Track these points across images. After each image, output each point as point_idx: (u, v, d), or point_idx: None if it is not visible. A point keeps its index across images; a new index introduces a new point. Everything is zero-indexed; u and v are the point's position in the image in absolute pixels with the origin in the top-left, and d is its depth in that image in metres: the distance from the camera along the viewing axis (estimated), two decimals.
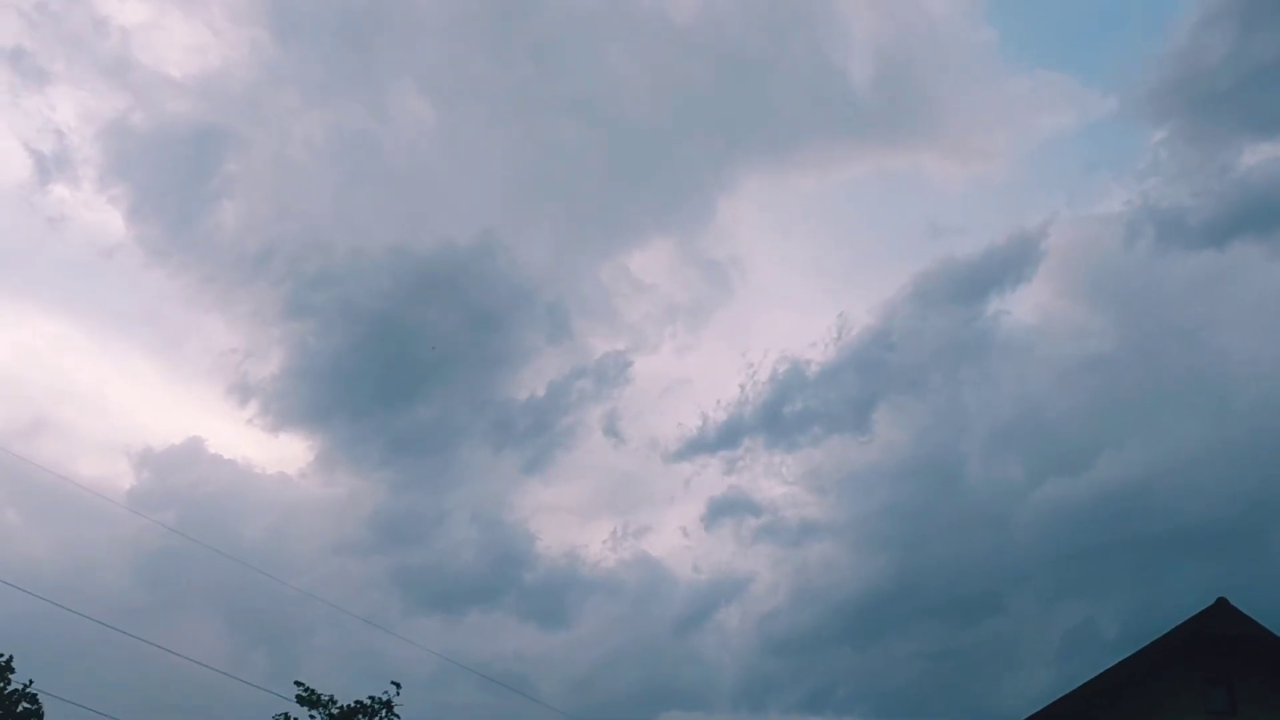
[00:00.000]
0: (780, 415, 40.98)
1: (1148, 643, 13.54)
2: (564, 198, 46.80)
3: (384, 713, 19.45)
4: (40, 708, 18.61)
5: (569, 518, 42.69)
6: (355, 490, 39.89)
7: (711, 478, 42.48)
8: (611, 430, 41.64)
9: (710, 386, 53.96)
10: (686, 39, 45.02)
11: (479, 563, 37.46)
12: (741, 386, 43.14)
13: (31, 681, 18.58)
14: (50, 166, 40.01)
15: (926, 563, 35.45)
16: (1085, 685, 13.37)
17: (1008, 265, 40.01)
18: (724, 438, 40.89)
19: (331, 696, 19.28)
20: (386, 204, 45.41)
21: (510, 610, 37.08)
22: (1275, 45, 33.19)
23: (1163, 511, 31.94)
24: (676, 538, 41.07)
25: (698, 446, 41.06)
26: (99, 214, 42.51)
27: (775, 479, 40.37)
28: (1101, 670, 13.46)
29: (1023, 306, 41.49)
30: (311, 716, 19.05)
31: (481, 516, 39.07)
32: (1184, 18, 41.82)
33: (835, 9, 46.48)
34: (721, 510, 39.54)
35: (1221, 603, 13.71)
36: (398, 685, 19.62)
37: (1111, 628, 29.65)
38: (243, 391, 40.28)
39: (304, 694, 19.08)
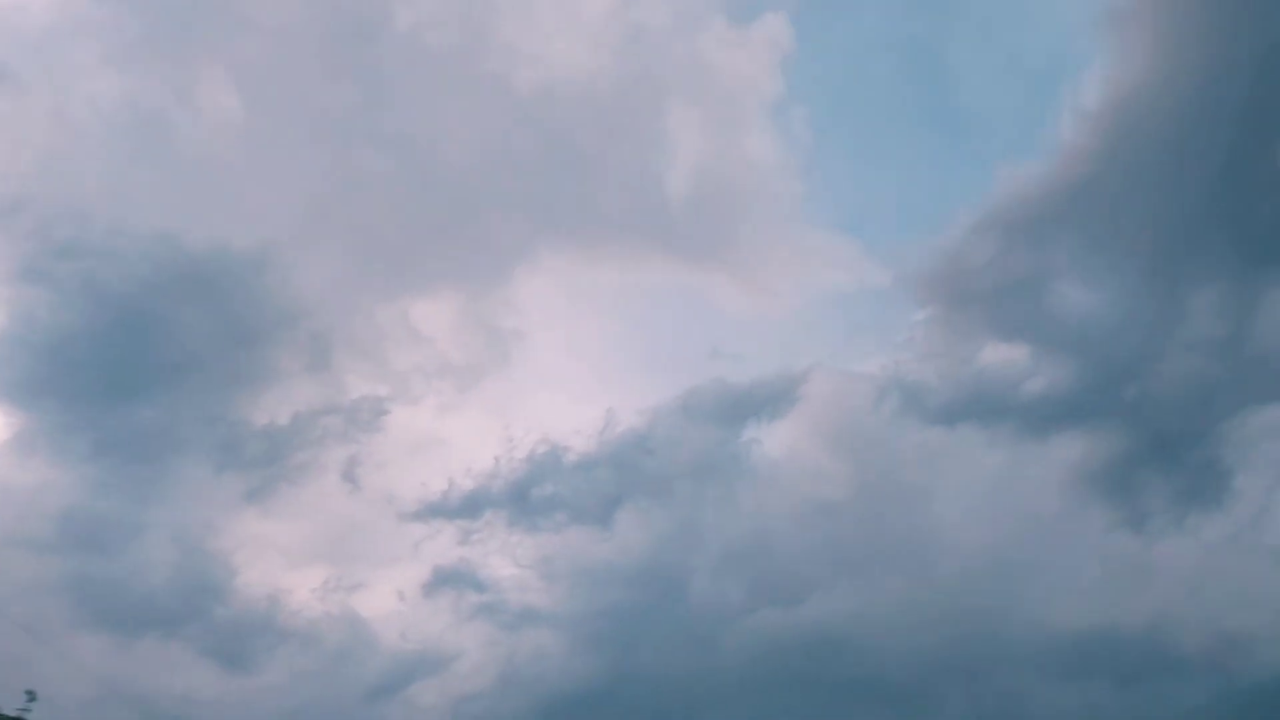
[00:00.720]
0: (528, 496, 40.69)
1: None
2: (359, 230, 45.51)
3: None
4: None
5: (280, 558, 40.02)
6: (50, 481, 36.32)
7: (443, 545, 40.49)
8: (350, 476, 40.04)
9: (465, 453, 52.17)
10: (523, 110, 45.33)
11: (169, 586, 34.95)
12: (497, 459, 42.06)
13: None
14: None
15: (637, 669, 35.75)
16: None
17: (769, 400, 41.58)
18: (466, 507, 40.14)
19: None
20: (165, 189, 42.62)
21: (191, 643, 34.57)
22: (1027, 264, 37.19)
23: (856, 657, 33.73)
24: (391, 600, 39.11)
25: (437, 510, 40.07)
26: None
27: (508, 559, 39.59)
28: None
29: (774, 440, 42.34)
30: None
31: (184, 537, 36.49)
32: (961, 220, 45.68)
33: (668, 125, 47.61)
34: (445, 580, 38.63)
35: None
36: (32, 694, 18.17)
37: None
38: None
39: None
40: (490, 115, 45.34)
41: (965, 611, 33.76)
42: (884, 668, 32.96)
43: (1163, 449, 32.37)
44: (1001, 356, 37.61)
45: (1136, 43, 31.36)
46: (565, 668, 36.28)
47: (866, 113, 49.56)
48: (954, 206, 50.62)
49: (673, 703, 34.38)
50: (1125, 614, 31.20)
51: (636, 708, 34.69)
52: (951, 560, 35.77)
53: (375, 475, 40.56)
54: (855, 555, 37.24)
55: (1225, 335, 30.64)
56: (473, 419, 46.57)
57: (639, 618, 37.04)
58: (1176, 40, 30.25)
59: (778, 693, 33.81)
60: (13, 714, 17.89)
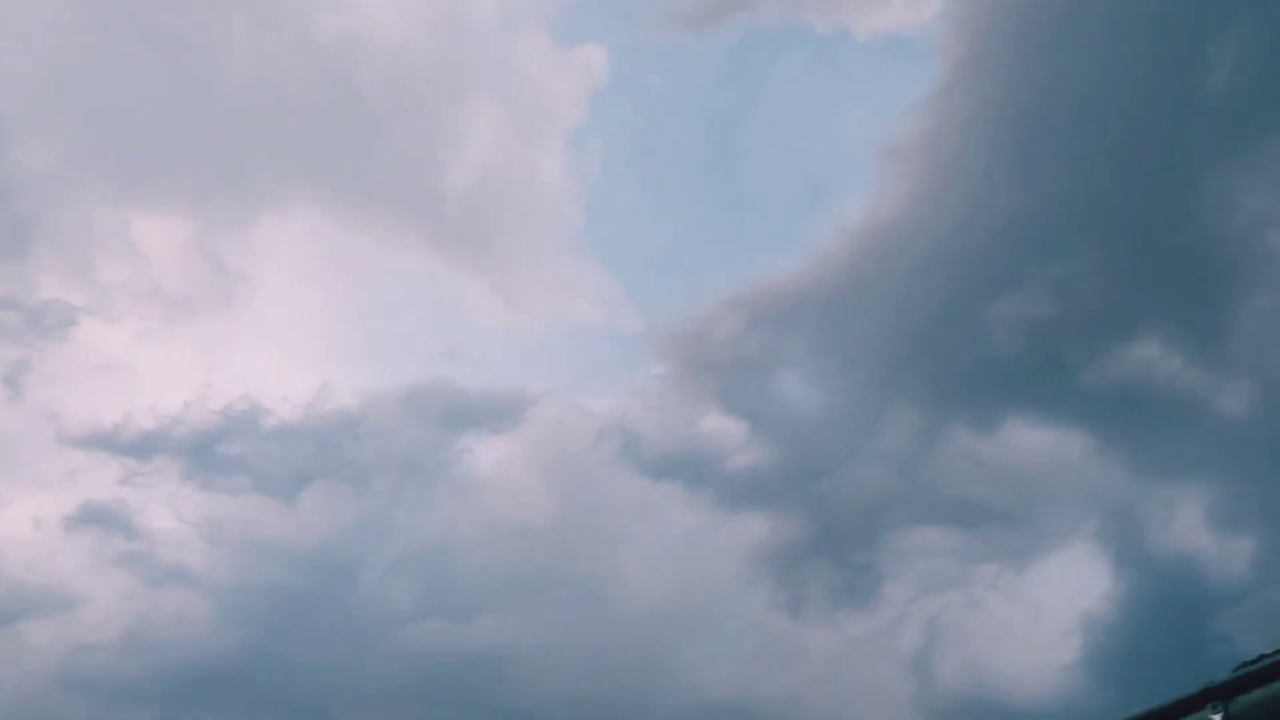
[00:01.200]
0: (212, 451, 37.96)
1: None
2: (100, 122, 41.06)
3: None
4: None
5: None
6: None
7: (101, 481, 36.90)
8: (12, 380, 35.83)
9: (153, 388, 47.42)
10: (318, 55, 42.15)
11: None
12: (187, 404, 38.86)
13: None
14: None
15: (281, 655, 34.36)
16: None
17: (494, 414, 41.23)
18: (138, 446, 36.81)
19: None
20: None
21: None
22: (763, 349, 38.61)
23: (510, 687, 33.83)
24: (25, 526, 35.30)
25: (104, 442, 36.52)
26: None
27: (171, 511, 36.69)
28: None
29: (487, 455, 41.83)
30: None
31: None
32: (717, 292, 48.21)
33: (465, 116, 45.42)
34: (93, 518, 35.35)
35: None
36: None
37: None
38: None
39: None
40: (281, 50, 42.31)
41: (624, 664, 34.73)
42: (535, 702, 33.15)
43: (832, 545, 35.07)
44: (720, 427, 39.19)
45: (899, 180, 34.52)
46: (204, 637, 34.10)
47: (657, 166, 51.09)
48: (714, 278, 53.24)
49: (311, 696, 33.13)
50: (765, 691, 33.31)
51: (271, 695, 33.12)
52: (625, 609, 36.65)
53: (43, 387, 36.49)
54: (535, 585, 37.51)
55: (906, 456, 33.84)
56: (173, 354, 43.51)
57: (298, 603, 35.33)
58: (931, 189, 33.56)
59: (423, 707, 33.44)
60: None
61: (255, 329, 45.27)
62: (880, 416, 34.89)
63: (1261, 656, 5.02)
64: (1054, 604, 31.21)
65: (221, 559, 36.60)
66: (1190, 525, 28.72)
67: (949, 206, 32.53)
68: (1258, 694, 4.73)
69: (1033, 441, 31.52)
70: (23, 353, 35.73)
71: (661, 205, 50.75)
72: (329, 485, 38.59)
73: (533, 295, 47.17)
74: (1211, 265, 29.12)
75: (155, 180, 42.18)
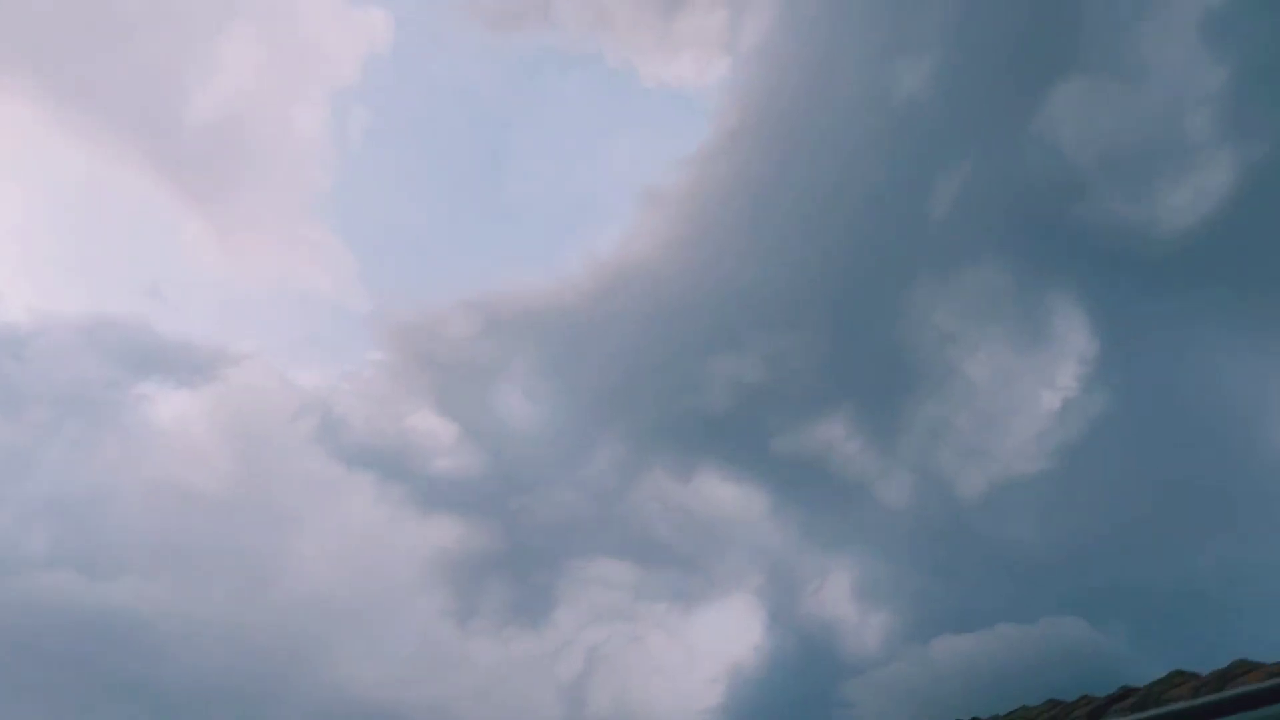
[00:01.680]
0: None
1: None
2: None
3: None
4: None
5: None
6: None
7: None
8: None
9: None
10: None
11: None
12: None
13: None
14: None
15: None
16: None
17: (187, 366, 39.05)
18: None
19: None
20: None
21: None
22: (491, 356, 38.85)
23: (143, 653, 31.77)
24: None
25: None
26: None
27: None
28: None
29: (169, 406, 39.46)
30: None
31: None
32: (457, 291, 48.12)
33: (224, 47, 42.25)
34: None
35: None
36: None
37: None
38: None
39: None
40: None
41: (275, 648, 32.82)
42: (168, 676, 30.54)
43: (516, 561, 35.45)
44: (429, 426, 38.57)
45: (654, 225, 36.10)
46: None
47: (420, 151, 49.96)
48: (455, 277, 52.56)
49: None
50: (416, 696, 32.96)
51: None
52: (289, 593, 35.09)
53: None
54: (194, 554, 35.04)
55: (605, 488, 35.01)
56: None
57: None
58: (680, 240, 35.36)
59: (38, 663, 29.64)
60: None
61: None
62: (589, 445, 35.95)
63: None
64: (709, 649, 33.22)
65: None
66: (837, 594, 31.65)
67: (692, 261, 34.45)
68: None
69: (720, 493, 33.68)
70: None
71: (416, 192, 49.63)
72: None
73: (258, 250, 44.65)
74: (900, 369, 32.64)
75: None
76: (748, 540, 33.23)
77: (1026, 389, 30.47)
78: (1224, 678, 4.65)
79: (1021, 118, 28.92)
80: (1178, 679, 4.81)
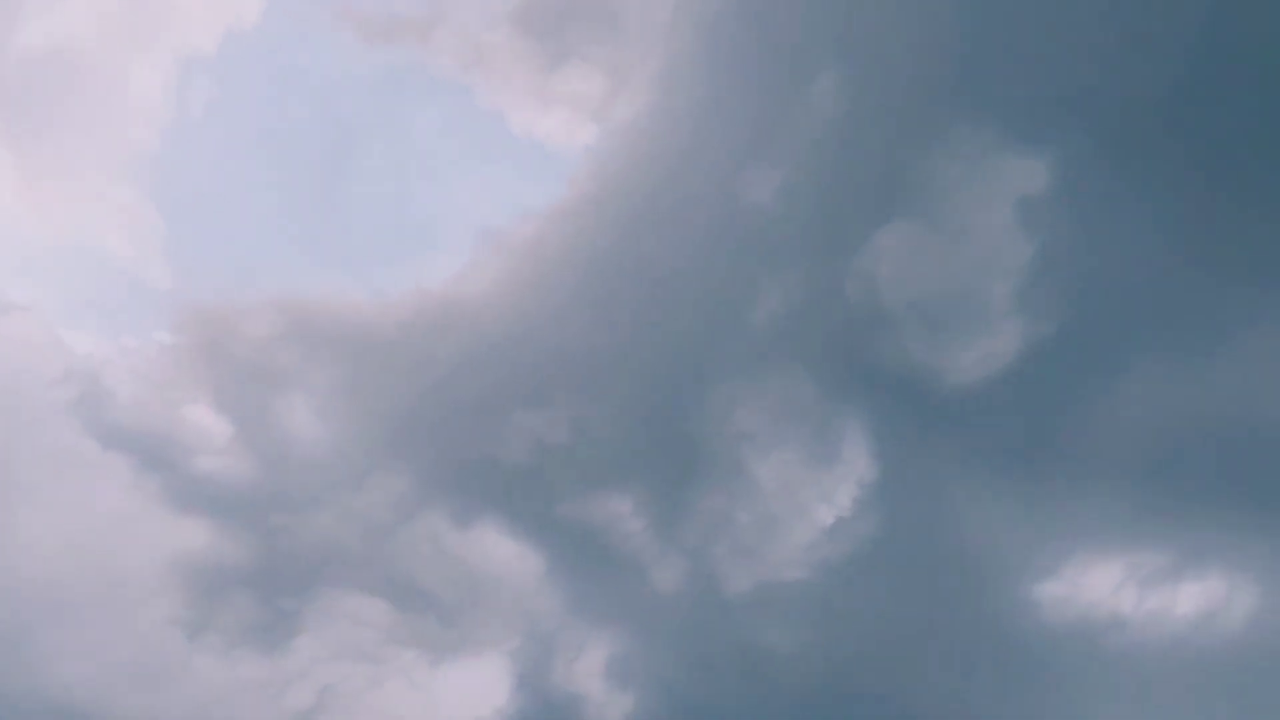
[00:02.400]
0: None
1: None
2: None
3: None
4: None
5: None
6: None
7: None
8: None
9: None
10: None
11: None
12: None
13: None
14: None
15: None
16: None
17: None
18: None
19: None
20: None
21: None
22: (280, 357, 37.96)
23: None
24: None
25: None
26: None
27: None
28: None
29: None
30: None
31: None
32: (260, 285, 44.70)
33: None
34: None
35: None
36: None
37: None
38: None
39: None
40: None
41: None
42: None
43: (264, 580, 33.36)
44: (204, 421, 36.28)
45: (489, 269, 35.89)
46: None
47: (264, 138, 47.74)
48: (269, 274, 50.01)
49: None
50: (124, 708, 30.27)
51: None
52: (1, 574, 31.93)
53: None
54: None
55: (377, 522, 33.79)
56: None
57: None
58: (510, 289, 35.29)
59: None
60: None
61: None
62: (370, 475, 34.69)
63: None
64: (450, 705, 32.24)
65: None
66: (590, 669, 31.53)
67: (518, 312, 34.36)
68: None
69: (497, 548, 33.07)
70: None
71: (248, 178, 47.34)
72: None
73: (62, 200, 41.28)
74: (694, 457, 33.43)
75: None
76: (513, 600, 32.77)
77: (806, 500, 31.84)
78: None
79: (851, 247, 30.85)
80: None
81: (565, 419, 33.34)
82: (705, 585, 30.47)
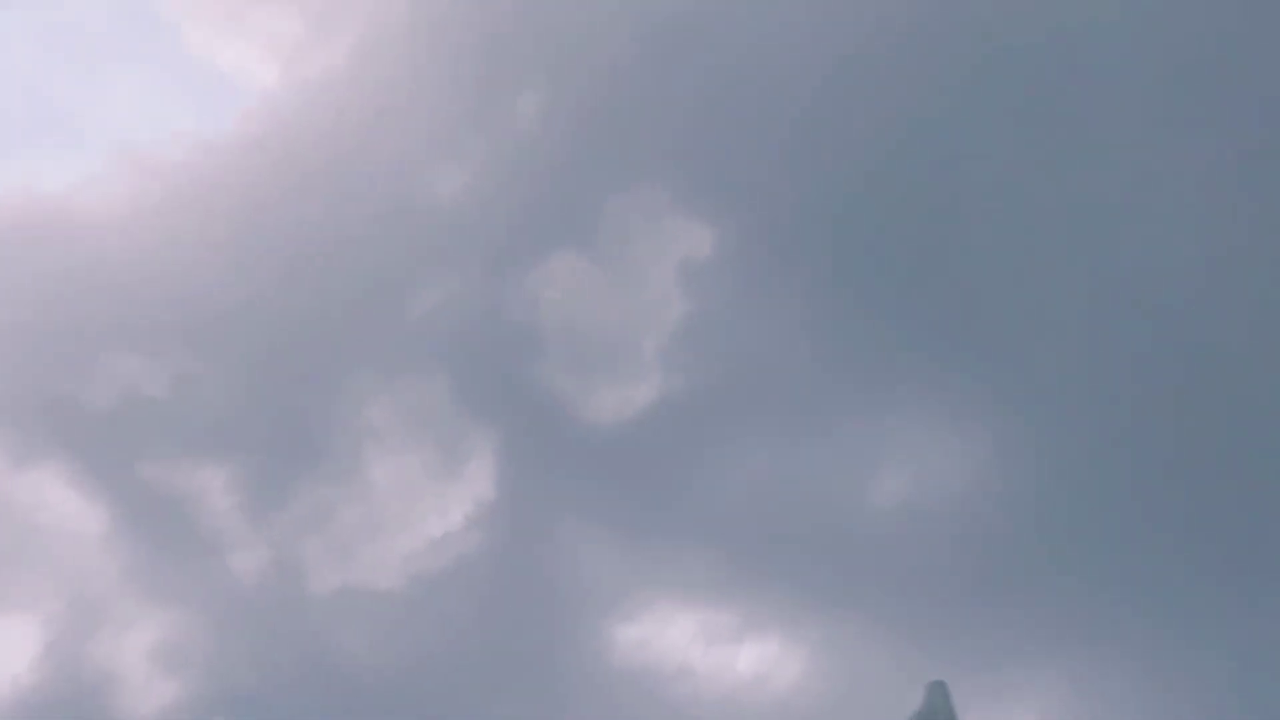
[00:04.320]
0: None
1: None
2: None
3: None
4: None
5: None
6: None
7: None
8: None
9: None
10: None
11: None
12: None
13: None
14: None
15: None
16: None
17: None
18: None
19: None
20: None
21: None
22: None
23: None
24: None
25: None
26: None
27: None
28: None
29: None
30: None
31: None
32: None
33: None
34: None
35: None
36: None
37: None
38: None
39: None
40: None
41: None
42: None
43: None
44: None
45: (120, 183, 31.69)
46: None
47: None
48: None
49: None
50: None
51: None
52: None
53: None
54: None
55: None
56: None
57: None
58: (138, 210, 31.44)
59: None
60: None
61: None
62: None
63: None
64: None
65: None
66: (135, 649, 28.03)
67: (144, 241, 30.46)
68: None
69: (56, 498, 28.58)
70: None
71: None
72: None
73: None
74: (308, 444, 31.20)
75: None
76: (64, 558, 28.48)
77: (418, 509, 30.79)
78: None
79: (519, 265, 30.69)
80: None
81: (168, 371, 29.89)
82: (289, 579, 28.32)
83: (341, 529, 30.44)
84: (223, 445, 30.15)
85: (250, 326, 30.68)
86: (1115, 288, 27.07)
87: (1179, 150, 26.63)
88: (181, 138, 34.69)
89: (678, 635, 27.24)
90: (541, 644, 27.14)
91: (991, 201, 27.91)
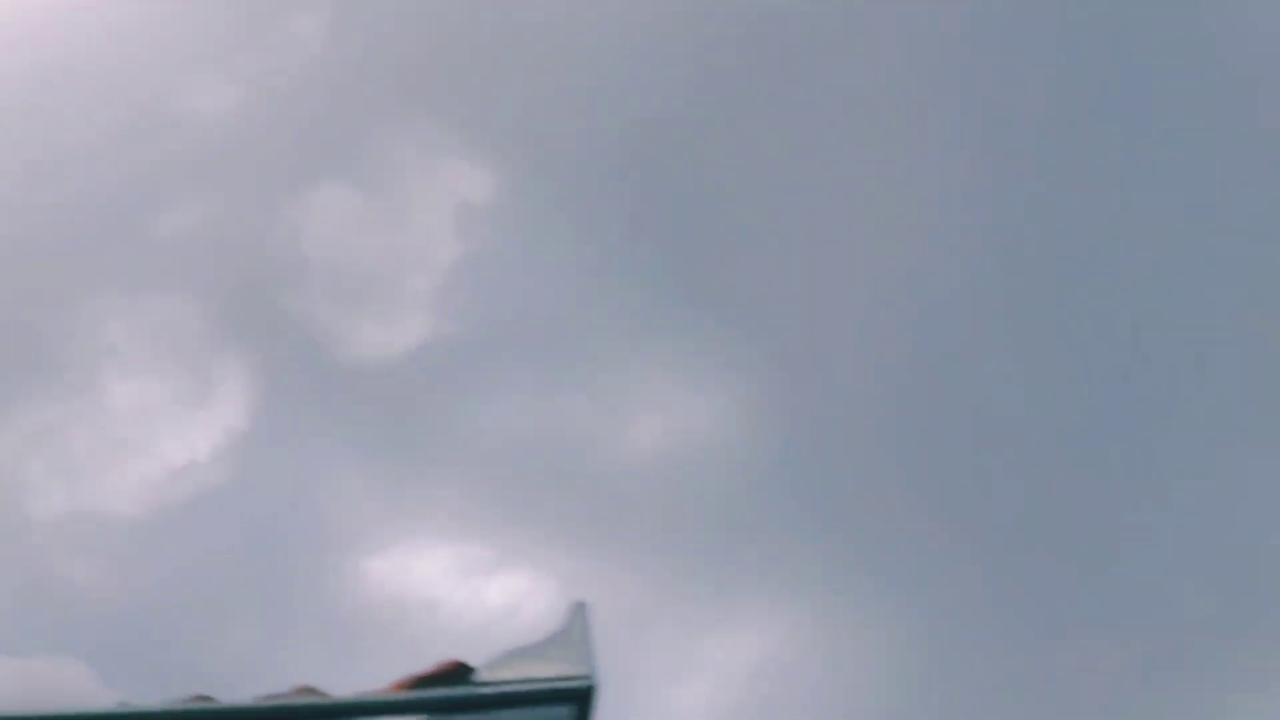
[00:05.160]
0: None
1: None
2: None
3: None
4: None
5: None
6: None
7: None
8: None
9: None
10: None
11: None
12: None
13: None
14: None
15: None
16: None
17: None
18: None
19: None
20: None
21: None
22: None
23: None
24: None
25: None
26: None
27: None
28: None
29: None
30: None
31: None
32: None
33: None
34: None
35: None
36: None
37: None
38: None
39: None
40: None
41: None
42: None
43: None
44: None
45: None
46: None
47: None
48: None
49: None
50: None
51: None
52: None
53: None
54: None
55: None
56: None
57: None
58: None
59: None
60: None
61: None
62: None
63: None
64: None
65: None
66: None
67: None
68: None
69: None
70: None
71: None
72: None
73: None
74: (41, 357, 29.14)
75: None
76: None
77: (161, 436, 29.35)
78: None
79: (286, 194, 29.43)
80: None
81: None
82: (7, 500, 26.40)
83: (72, 451, 28.63)
84: None
85: None
86: (873, 253, 28.81)
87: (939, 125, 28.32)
88: None
89: (428, 569, 27.58)
90: (287, 576, 26.74)
91: (765, 163, 29.12)
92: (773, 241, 27.64)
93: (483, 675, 5.84)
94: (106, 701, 5.50)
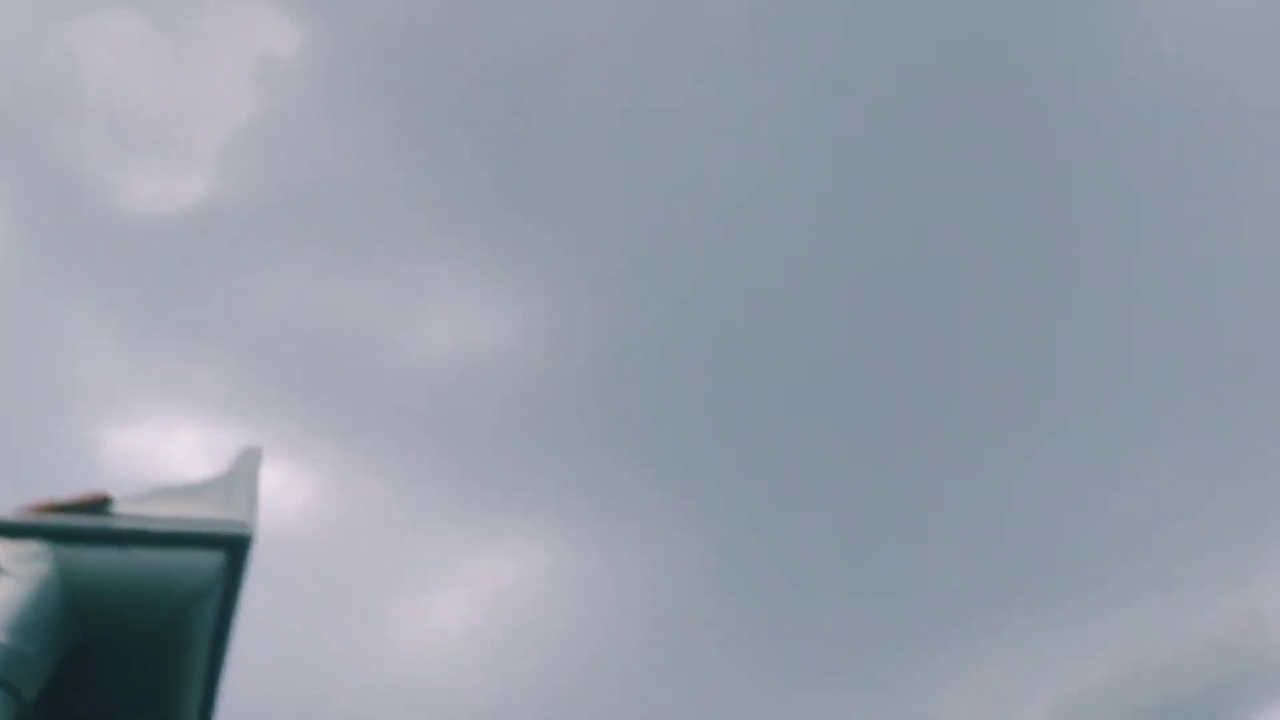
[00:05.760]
0: None
1: None
2: None
3: None
4: None
5: None
6: None
7: None
8: None
9: None
10: None
11: None
12: None
13: None
14: None
15: None
16: None
17: None
18: None
19: None
20: None
21: None
22: None
23: None
24: None
25: None
26: None
27: None
28: None
29: None
30: None
31: None
32: None
33: None
34: None
35: None
36: None
37: None
38: None
39: None
40: None
41: None
42: None
43: None
44: None
45: None
46: None
47: None
48: None
49: None
50: None
51: None
52: None
53: None
54: None
55: None
56: None
57: None
58: None
59: None
60: None
61: None
62: None
63: None
64: None
65: None
66: None
67: None
68: None
69: None
70: None
71: None
72: None
73: None
74: None
75: None
76: None
77: None
78: None
79: (59, 17, 26.02)
80: None
81: None
82: None
83: None
84: None
85: None
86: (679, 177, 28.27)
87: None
88: None
89: (176, 448, 25.68)
90: (22, 440, 24.28)
91: (591, 76, 28.10)
92: (593, 156, 26.64)
93: (121, 509, 5.16)
94: None
